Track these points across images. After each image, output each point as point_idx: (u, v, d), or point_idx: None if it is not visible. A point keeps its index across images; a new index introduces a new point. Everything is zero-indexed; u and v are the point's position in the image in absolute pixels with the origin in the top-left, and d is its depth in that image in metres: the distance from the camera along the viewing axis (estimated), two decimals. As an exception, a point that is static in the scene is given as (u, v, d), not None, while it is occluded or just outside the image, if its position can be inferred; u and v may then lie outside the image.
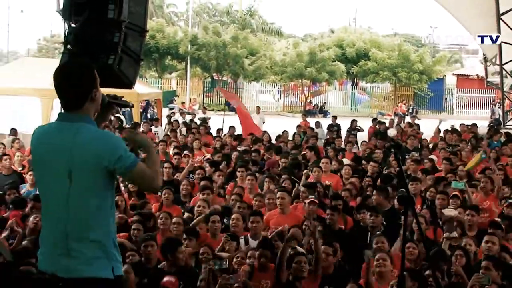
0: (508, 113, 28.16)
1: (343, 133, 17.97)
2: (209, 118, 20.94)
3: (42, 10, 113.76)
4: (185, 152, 11.66)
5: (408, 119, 23.66)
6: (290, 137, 15.30)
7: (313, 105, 40.19)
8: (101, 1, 5.40)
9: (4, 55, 65.24)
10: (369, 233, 7.15)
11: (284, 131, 15.61)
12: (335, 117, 20.07)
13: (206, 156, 11.81)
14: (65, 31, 5.61)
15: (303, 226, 7.11)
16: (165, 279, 5.67)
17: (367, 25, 76.49)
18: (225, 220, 7.68)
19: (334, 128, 18.24)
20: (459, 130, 17.13)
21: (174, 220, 7.13)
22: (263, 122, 20.78)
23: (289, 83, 41.61)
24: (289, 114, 38.35)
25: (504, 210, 8.05)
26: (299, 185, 9.16)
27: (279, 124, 20.94)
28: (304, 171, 9.83)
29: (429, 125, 19.24)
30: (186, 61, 39.50)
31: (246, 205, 7.94)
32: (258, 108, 23.27)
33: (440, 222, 7.70)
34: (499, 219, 7.54)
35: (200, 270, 5.91)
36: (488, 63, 27.80)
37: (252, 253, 6.16)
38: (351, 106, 42.94)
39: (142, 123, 17.53)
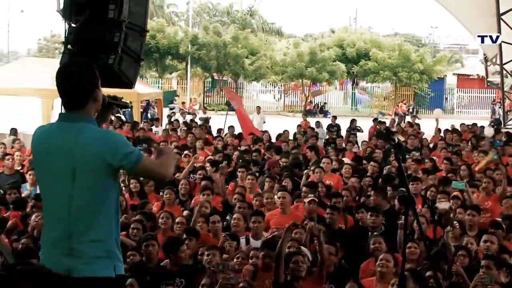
0: (508, 113, 28.17)
1: (343, 133, 17.96)
2: (210, 118, 20.94)
3: (43, 10, 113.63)
4: (186, 152, 11.66)
5: (408, 119, 23.67)
6: (291, 137, 15.31)
7: (313, 105, 40.19)
8: (102, 1, 5.39)
9: (4, 55, 65.25)
10: (370, 233, 7.15)
11: (285, 130, 15.61)
12: (335, 117, 20.07)
13: (209, 156, 11.80)
14: (66, 31, 5.61)
15: (304, 223, 7.11)
16: None
17: (367, 25, 76.79)
18: (227, 217, 7.69)
19: (334, 128, 18.23)
20: (459, 130, 17.15)
21: (177, 220, 7.15)
22: (264, 122, 20.78)
23: (290, 83, 41.62)
24: (289, 114, 38.35)
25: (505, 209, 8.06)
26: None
27: (279, 124, 20.93)
28: (305, 171, 9.82)
29: (429, 125, 19.23)
30: (186, 61, 39.50)
31: (247, 205, 7.94)
32: (258, 108, 23.25)
33: (436, 217, 7.71)
34: (500, 219, 7.54)
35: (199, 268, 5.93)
36: (488, 63, 27.80)
37: (255, 253, 6.16)
38: (352, 106, 42.94)
39: (142, 123, 17.53)
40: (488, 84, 30.68)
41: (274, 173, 10.05)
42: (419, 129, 17.64)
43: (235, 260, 6.16)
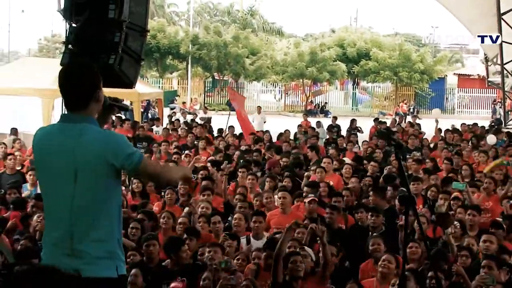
0: (509, 112, 28.19)
1: (343, 134, 17.95)
2: (211, 118, 20.95)
3: (43, 10, 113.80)
4: (186, 152, 11.67)
5: (409, 119, 23.66)
6: (291, 137, 15.32)
7: (314, 105, 40.17)
8: (102, 1, 5.40)
9: (5, 55, 65.25)
10: (370, 233, 7.15)
11: (286, 130, 15.62)
12: (335, 118, 20.06)
13: (211, 157, 11.79)
14: (66, 31, 5.62)
15: (305, 222, 7.10)
16: (172, 284, 5.68)
17: (368, 25, 76.71)
18: (229, 218, 7.69)
19: (334, 129, 18.22)
20: (460, 130, 17.15)
21: (180, 220, 7.14)
22: (264, 122, 20.78)
23: (290, 82, 41.61)
24: (290, 113, 38.34)
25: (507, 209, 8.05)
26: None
27: (280, 123, 20.92)
28: (306, 174, 9.82)
29: (430, 125, 19.24)
30: (187, 61, 39.49)
31: (248, 204, 7.94)
32: (259, 108, 23.25)
33: (434, 217, 7.71)
34: (500, 219, 7.54)
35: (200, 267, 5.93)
36: (489, 63, 27.80)
37: (257, 254, 6.17)
38: (352, 106, 42.92)
39: (143, 122, 17.53)
40: (489, 84, 30.66)
41: (274, 173, 10.05)
42: (420, 129, 17.65)
43: (235, 261, 6.16)
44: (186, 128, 15.84)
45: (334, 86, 44.51)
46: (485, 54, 28.41)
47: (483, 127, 18.69)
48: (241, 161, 10.96)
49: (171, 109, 27.47)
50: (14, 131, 13.73)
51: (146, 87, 21.35)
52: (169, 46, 38.10)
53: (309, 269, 5.82)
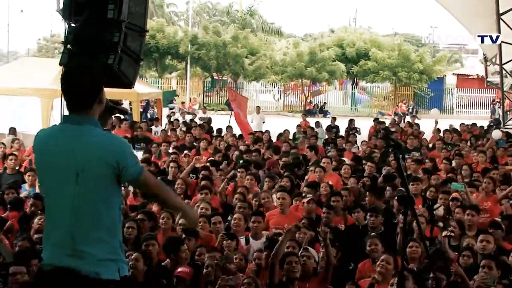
0: (508, 112, 28.17)
1: (342, 134, 17.95)
2: (210, 118, 20.92)
3: (42, 10, 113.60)
4: (185, 152, 11.65)
5: (408, 118, 23.66)
6: (291, 137, 15.31)
7: (313, 105, 40.18)
8: (101, 1, 5.40)
9: (4, 55, 65.18)
10: (369, 233, 7.14)
11: (285, 130, 15.62)
12: (334, 119, 20.07)
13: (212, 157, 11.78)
14: (65, 30, 5.62)
15: (302, 222, 7.11)
16: (179, 269, 5.72)
17: (367, 25, 76.80)
18: (228, 218, 7.69)
19: (333, 129, 18.22)
20: (459, 130, 17.16)
21: (180, 221, 7.13)
22: (263, 122, 20.76)
23: (289, 82, 41.62)
24: (289, 113, 38.35)
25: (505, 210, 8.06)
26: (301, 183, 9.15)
27: (279, 123, 20.93)
28: (306, 177, 9.82)
29: (429, 125, 19.24)
30: (186, 60, 39.50)
31: (247, 205, 7.94)
32: (258, 108, 23.23)
33: (432, 218, 7.70)
34: (499, 219, 7.54)
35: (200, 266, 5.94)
36: (488, 63, 27.79)
37: (258, 255, 6.18)
38: (351, 106, 42.94)
39: (141, 122, 17.51)
40: (488, 84, 30.66)
41: (273, 173, 10.05)
42: (419, 129, 17.65)
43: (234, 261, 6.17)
44: (185, 128, 15.83)
45: (333, 86, 44.53)
46: (484, 54, 28.40)
47: (482, 127, 18.70)
48: (240, 161, 10.96)
49: (170, 109, 27.43)
50: (12, 131, 13.69)
51: (145, 87, 21.33)
52: (168, 46, 38.10)
53: (312, 270, 5.83)
